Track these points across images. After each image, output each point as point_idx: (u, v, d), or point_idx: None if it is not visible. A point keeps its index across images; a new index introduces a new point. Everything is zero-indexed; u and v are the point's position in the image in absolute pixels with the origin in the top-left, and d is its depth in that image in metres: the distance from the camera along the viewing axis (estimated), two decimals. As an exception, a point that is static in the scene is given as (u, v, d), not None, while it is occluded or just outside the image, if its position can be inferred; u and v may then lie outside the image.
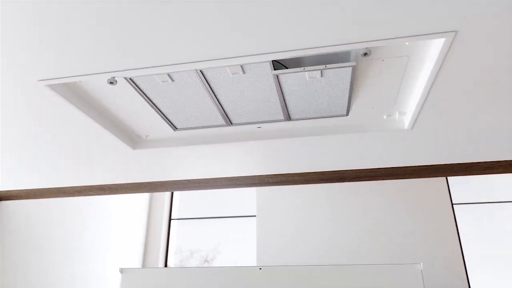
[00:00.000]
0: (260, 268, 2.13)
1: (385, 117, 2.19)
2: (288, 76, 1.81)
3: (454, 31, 1.44)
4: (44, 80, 1.78)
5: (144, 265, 5.98)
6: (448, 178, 5.13)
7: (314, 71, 1.76)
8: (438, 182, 5.07)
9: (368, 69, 1.78)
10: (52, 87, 1.84)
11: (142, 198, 6.48)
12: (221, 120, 2.31)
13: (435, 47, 1.58)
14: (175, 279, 2.20)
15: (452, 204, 4.98)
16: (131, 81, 1.91)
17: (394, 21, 1.39)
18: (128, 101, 2.10)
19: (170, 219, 6.64)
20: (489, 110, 2.05)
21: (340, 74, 1.78)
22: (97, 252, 5.11)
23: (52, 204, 4.52)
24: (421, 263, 2.18)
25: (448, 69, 1.67)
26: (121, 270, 2.38)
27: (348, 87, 1.88)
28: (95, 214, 5.18)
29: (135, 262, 5.85)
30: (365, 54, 1.64)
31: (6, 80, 1.79)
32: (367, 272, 2.07)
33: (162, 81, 1.91)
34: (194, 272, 2.25)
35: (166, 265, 6.15)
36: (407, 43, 1.60)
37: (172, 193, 7.06)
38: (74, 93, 2.00)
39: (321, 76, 1.80)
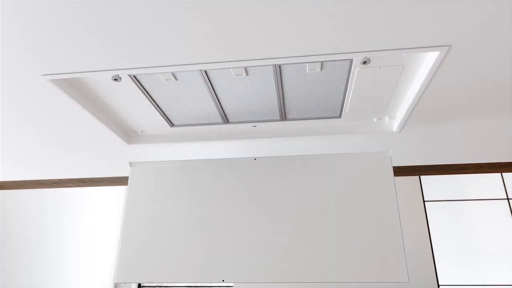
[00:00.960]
0: (255, 159, 2.44)
1: (375, 120, 2.32)
2: (289, 68, 1.86)
3: (448, 45, 1.57)
4: (47, 75, 1.77)
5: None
6: (421, 176, 5.39)
7: (315, 63, 1.81)
8: (411, 180, 5.32)
9: (365, 75, 1.89)
10: (54, 81, 1.84)
11: (120, 191, 6.41)
12: (218, 118, 2.36)
13: (429, 59, 1.71)
14: (178, 170, 2.46)
15: (424, 201, 5.26)
16: (135, 78, 1.93)
17: (393, 34, 1.50)
18: (128, 97, 2.11)
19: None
20: (469, 117, 2.22)
21: (338, 68, 1.85)
22: (72, 249, 5.04)
23: (29, 197, 4.42)
24: (390, 151, 2.36)
25: (439, 79, 1.81)
26: (130, 164, 2.50)
27: (344, 84, 1.97)
28: (71, 208, 5.09)
29: (112, 256, 5.80)
30: (364, 62, 1.75)
31: (9, 73, 1.77)
32: (339, 160, 2.33)
33: (166, 80, 1.94)
34: (198, 164, 2.51)
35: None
36: (403, 54, 1.71)
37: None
38: (74, 88, 1.99)
39: (321, 69, 1.86)
